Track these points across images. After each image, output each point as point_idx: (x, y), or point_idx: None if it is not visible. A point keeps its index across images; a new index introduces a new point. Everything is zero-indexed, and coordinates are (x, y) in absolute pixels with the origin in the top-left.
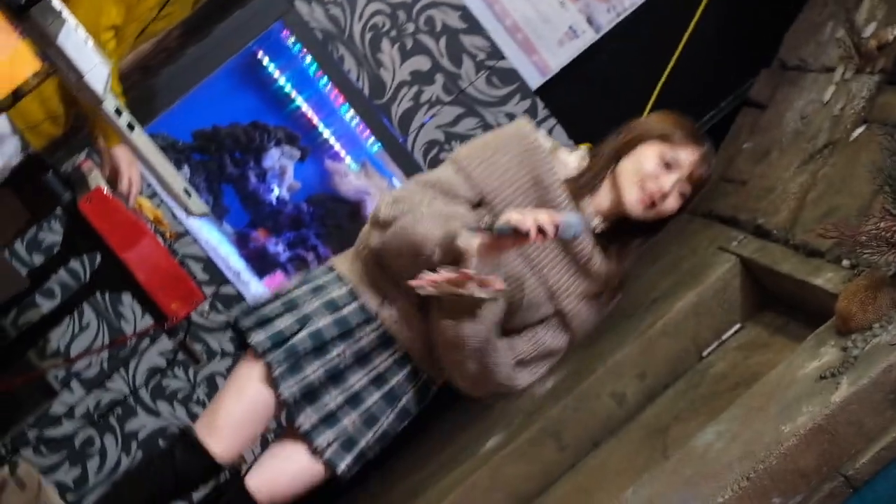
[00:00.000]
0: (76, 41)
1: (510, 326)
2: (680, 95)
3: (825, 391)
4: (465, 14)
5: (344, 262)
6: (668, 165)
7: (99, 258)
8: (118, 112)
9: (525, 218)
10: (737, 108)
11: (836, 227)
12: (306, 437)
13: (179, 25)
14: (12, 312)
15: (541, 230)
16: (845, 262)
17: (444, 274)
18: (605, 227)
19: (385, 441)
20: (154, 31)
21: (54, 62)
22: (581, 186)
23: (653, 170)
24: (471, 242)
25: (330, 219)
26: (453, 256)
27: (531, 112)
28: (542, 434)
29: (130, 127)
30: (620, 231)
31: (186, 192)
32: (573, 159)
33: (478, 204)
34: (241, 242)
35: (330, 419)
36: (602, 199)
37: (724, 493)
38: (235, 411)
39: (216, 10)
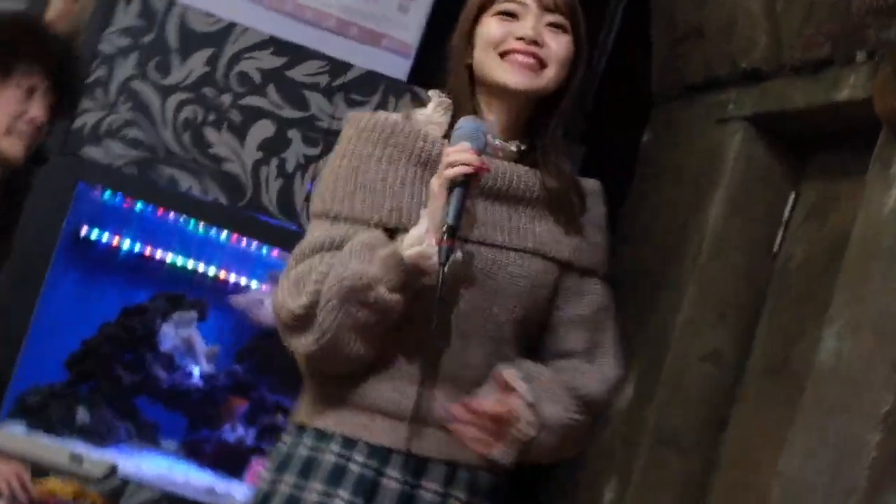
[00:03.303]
0: None
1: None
2: None
3: None
4: (277, 44)
5: (305, 412)
6: (510, 16)
7: None
8: None
9: (444, 173)
10: None
11: (822, 29)
12: None
13: None
14: None
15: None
16: (859, 56)
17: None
18: (523, 141)
19: None
20: None
21: None
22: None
23: (499, 32)
24: (419, 235)
25: (275, 362)
26: (409, 276)
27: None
28: (656, 449)
29: None
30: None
31: (75, 458)
32: (430, 108)
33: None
34: (194, 451)
35: None
36: (490, 114)
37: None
38: None
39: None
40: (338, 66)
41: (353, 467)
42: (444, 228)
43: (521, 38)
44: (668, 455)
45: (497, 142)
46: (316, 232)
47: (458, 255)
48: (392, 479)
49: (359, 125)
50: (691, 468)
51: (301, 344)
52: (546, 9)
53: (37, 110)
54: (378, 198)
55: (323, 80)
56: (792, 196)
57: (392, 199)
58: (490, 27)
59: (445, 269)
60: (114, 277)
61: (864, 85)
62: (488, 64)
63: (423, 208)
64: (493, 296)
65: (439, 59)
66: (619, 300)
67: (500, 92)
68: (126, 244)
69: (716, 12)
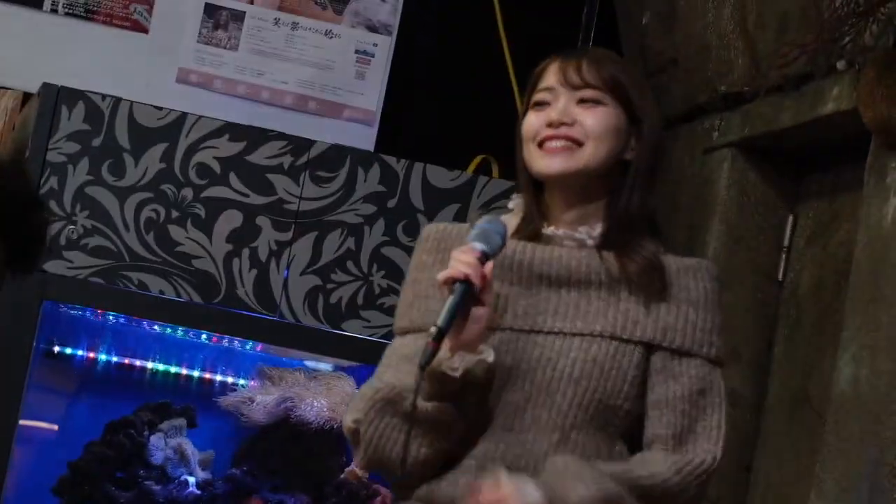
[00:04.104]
0: None
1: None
2: (531, 34)
3: None
4: (233, 129)
5: None
6: (544, 104)
7: None
8: None
9: (445, 274)
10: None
11: (796, 43)
12: None
13: None
14: None
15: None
16: (840, 66)
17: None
18: (599, 231)
19: None
20: None
21: None
22: (532, 223)
23: (534, 124)
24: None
25: (275, 462)
26: (439, 384)
27: (388, 181)
28: None
29: None
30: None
31: None
32: (514, 209)
33: None
34: None
35: None
36: (555, 210)
37: None
38: None
39: None
40: (300, 144)
41: None
42: (433, 330)
43: (549, 125)
44: None
45: (561, 232)
46: (389, 347)
47: (490, 358)
48: None
49: (419, 239)
50: None
51: (357, 458)
52: (574, 87)
53: None
54: (431, 304)
55: (286, 160)
56: (790, 219)
57: (443, 302)
58: (528, 121)
59: (424, 370)
60: (94, 393)
61: (848, 95)
62: (530, 157)
63: None
64: (555, 384)
65: (404, 122)
66: None
67: (549, 182)
68: (102, 357)
69: (688, 39)
